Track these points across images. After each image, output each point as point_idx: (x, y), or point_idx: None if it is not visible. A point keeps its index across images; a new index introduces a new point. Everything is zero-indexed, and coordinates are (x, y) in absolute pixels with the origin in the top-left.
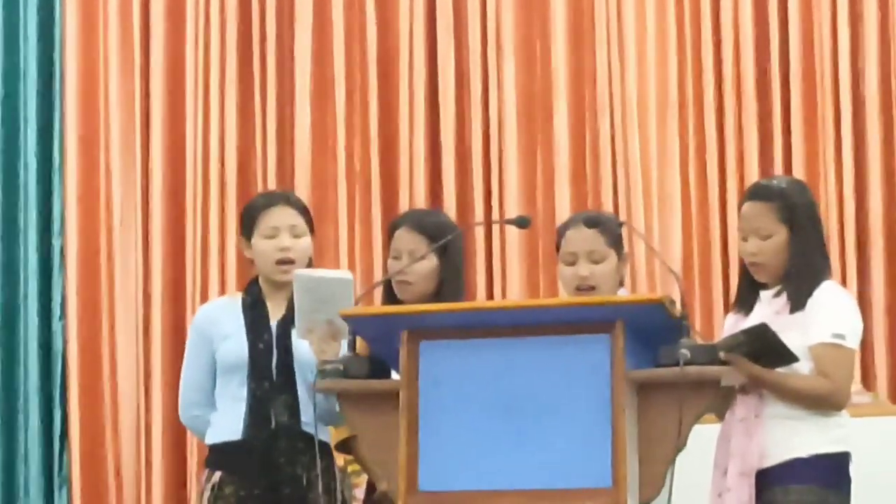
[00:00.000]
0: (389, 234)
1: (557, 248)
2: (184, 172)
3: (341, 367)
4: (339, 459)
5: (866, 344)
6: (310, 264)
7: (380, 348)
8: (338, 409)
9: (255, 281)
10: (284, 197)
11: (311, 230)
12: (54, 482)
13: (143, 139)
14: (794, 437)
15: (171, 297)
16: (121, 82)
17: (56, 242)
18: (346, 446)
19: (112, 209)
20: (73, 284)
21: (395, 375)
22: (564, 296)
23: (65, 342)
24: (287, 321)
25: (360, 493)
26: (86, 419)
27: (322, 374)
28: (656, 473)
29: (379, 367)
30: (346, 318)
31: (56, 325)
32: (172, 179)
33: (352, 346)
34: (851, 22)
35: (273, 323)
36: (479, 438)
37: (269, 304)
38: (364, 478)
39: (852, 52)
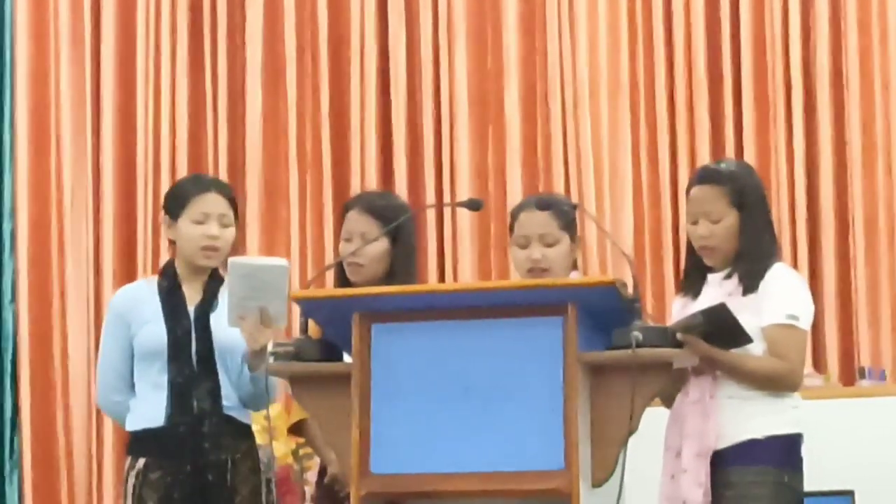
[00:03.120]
0: (341, 216)
1: (510, 231)
2: (135, 155)
3: (293, 350)
4: (292, 443)
5: (818, 327)
6: (231, 254)
7: (332, 331)
8: (267, 392)
9: (171, 264)
10: (217, 184)
11: (237, 221)
12: (5, 466)
13: (93, 121)
14: (748, 418)
15: (123, 279)
16: (71, 63)
17: (6, 225)
18: (298, 429)
19: (63, 192)
20: (24, 267)
21: (347, 358)
22: (517, 278)
23: (15, 325)
24: (205, 305)
25: (312, 476)
26: (37, 402)
27: (274, 356)
28: (608, 456)
29: (331, 349)
30: (298, 300)
31: (6, 309)
32: (124, 162)
33: (304, 328)
34: (803, 5)
35: (191, 308)
36: (432, 421)
37: (185, 289)
38: (316, 461)
39: (803, 36)
